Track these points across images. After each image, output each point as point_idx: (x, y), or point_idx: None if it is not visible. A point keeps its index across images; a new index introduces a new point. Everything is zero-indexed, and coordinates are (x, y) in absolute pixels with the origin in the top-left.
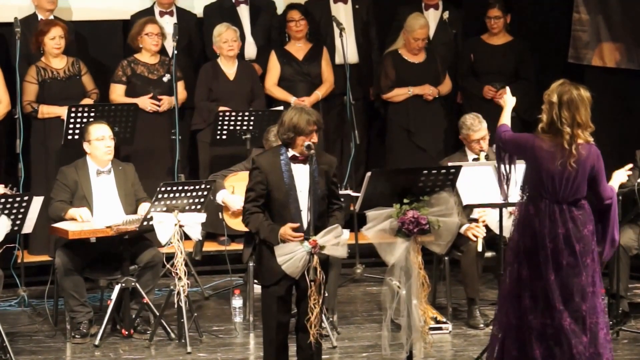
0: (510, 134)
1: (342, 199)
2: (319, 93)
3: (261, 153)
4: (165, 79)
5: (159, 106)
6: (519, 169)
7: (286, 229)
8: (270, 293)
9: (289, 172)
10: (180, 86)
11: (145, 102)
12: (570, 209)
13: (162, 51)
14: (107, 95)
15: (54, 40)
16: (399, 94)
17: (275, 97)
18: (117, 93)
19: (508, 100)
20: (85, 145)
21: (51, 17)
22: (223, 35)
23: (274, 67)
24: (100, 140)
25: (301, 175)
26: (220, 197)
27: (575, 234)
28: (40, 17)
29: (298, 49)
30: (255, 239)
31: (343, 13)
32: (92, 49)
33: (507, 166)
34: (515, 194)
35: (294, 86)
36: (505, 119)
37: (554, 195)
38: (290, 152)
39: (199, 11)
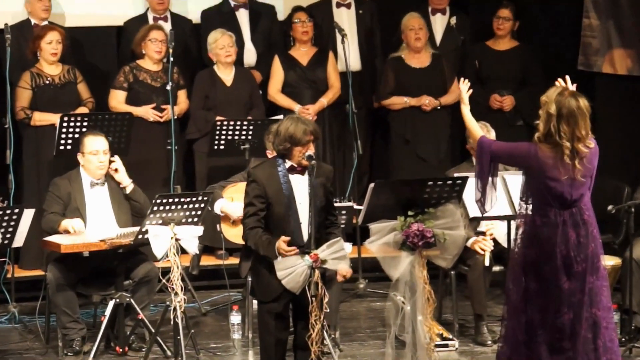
0: (499, 144)
1: (340, 211)
2: (324, 101)
3: (257, 165)
4: (168, 87)
5: (161, 116)
6: (511, 181)
7: (280, 244)
8: (268, 310)
9: (288, 184)
10: (183, 95)
11: (147, 112)
12: (580, 211)
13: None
14: (102, 103)
15: (51, 44)
16: (396, 102)
17: (279, 105)
18: (118, 100)
19: (464, 110)
20: (79, 156)
21: (45, 23)
22: (219, 42)
23: (278, 72)
24: (93, 155)
25: (300, 186)
26: (219, 206)
27: (585, 236)
28: (33, 22)
29: (302, 53)
30: (253, 253)
31: (346, 18)
32: (85, 55)
33: (490, 178)
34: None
35: (298, 93)
36: (477, 128)
37: (563, 203)
38: (288, 163)
39: (193, 17)
